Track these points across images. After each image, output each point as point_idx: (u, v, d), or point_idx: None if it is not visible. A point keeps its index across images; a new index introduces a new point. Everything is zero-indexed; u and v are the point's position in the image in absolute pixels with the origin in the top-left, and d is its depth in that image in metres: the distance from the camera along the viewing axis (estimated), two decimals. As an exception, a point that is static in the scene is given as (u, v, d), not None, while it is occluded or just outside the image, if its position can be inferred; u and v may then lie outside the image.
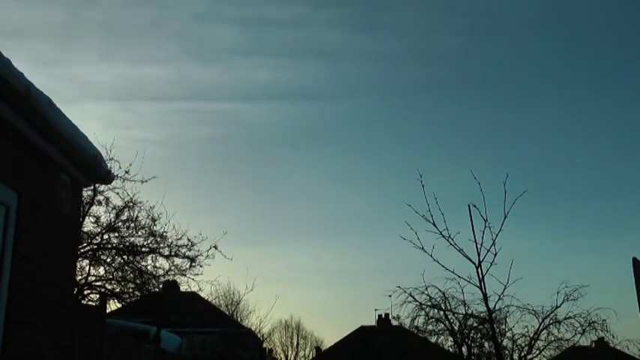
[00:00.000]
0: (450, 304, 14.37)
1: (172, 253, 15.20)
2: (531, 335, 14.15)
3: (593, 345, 15.94)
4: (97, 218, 14.38)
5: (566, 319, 13.96)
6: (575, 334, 14.02)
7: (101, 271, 14.91)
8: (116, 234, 14.69)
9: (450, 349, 15.72)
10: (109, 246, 14.71)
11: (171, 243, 15.14)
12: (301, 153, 52.55)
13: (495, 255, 12.61)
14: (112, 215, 14.52)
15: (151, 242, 14.99)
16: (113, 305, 16.40)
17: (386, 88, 45.57)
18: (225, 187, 49.34)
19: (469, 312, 14.36)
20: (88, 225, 14.16)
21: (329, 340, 50.64)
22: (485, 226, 12.60)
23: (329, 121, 52.20)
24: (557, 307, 13.87)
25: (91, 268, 14.48)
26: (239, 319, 31.12)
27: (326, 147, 53.80)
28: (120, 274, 15.03)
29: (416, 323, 14.84)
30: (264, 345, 34.51)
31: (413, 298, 14.21)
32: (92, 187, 12.85)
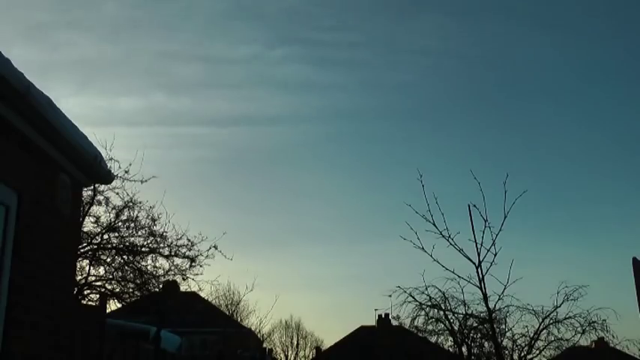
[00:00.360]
0: (450, 304, 14.37)
1: (172, 253, 15.21)
2: (531, 335, 14.15)
3: (593, 345, 15.94)
4: (97, 218, 14.39)
5: (566, 319, 13.96)
6: (575, 334, 14.02)
7: (101, 271, 14.92)
8: (116, 234, 14.70)
9: (450, 349, 15.72)
10: (109, 246, 14.71)
11: (171, 243, 15.15)
12: (279, 169, 54.30)
13: (495, 255, 12.61)
14: (111, 215, 14.54)
15: (150, 242, 15.01)
16: (113, 305, 16.41)
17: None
18: (217, 199, 50.42)
19: (469, 312, 14.37)
20: (88, 225, 14.17)
21: (329, 340, 50.73)
22: (485, 226, 12.62)
23: (307, 139, 54.06)
24: (557, 307, 13.87)
25: (91, 268, 14.49)
26: (239, 319, 31.14)
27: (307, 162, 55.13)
28: (120, 274, 15.03)
29: (416, 323, 14.84)
30: (264, 345, 34.52)
31: (413, 298, 14.22)
32: (92, 187, 12.85)
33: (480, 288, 12.96)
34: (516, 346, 14.37)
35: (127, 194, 14.48)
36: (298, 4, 42.79)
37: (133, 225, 14.73)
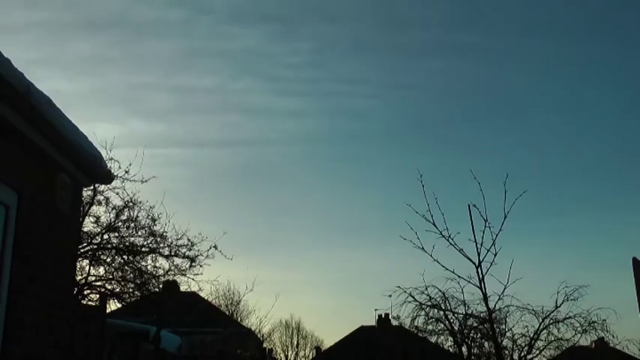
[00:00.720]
0: (450, 304, 14.37)
1: (172, 253, 15.20)
2: (531, 335, 14.15)
3: (593, 345, 15.93)
4: (97, 218, 14.39)
5: (566, 318, 13.96)
6: (575, 334, 14.02)
7: (101, 271, 14.91)
8: (116, 234, 14.69)
9: (450, 349, 15.71)
10: (109, 246, 14.71)
11: (171, 243, 15.15)
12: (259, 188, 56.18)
13: (495, 255, 12.63)
14: (111, 215, 14.53)
15: (150, 242, 15.00)
16: (113, 305, 16.41)
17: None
18: (208, 210, 51.46)
19: (469, 312, 14.37)
20: (88, 225, 14.16)
21: (329, 340, 50.69)
22: (485, 226, 12.63)
23: (290, 155, 60.50)
24: (557, 307, 13.87)
25: (91, 268, 14.48)
26: (239, 319, 31.14)
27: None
28: (120, 274, 15.02)
29: (416, 323, 14.84)
30: (265, 345, 34.48)
31: (413, 298, 14.22)
32: (92, 187, 12.85)
33: (480, 288, 12.97)
34: (516, 346, 14.37)
35: (127, 194, 14.49)
36: (257, 45, 48.13)
37: (133, 225, 14.74)
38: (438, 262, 12.88)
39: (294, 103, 53.58)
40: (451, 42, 48.27)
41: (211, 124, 48.30)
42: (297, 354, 48.32)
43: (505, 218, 12.73)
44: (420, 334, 15.56)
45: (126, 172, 14.12)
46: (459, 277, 13.22)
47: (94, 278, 14.72)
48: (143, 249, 14.97)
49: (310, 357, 46.66)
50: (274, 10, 47.59)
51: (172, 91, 46.37)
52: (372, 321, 35.75)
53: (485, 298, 13.08)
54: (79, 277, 13.48)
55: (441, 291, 14.12)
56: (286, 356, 47.89)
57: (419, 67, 50.33)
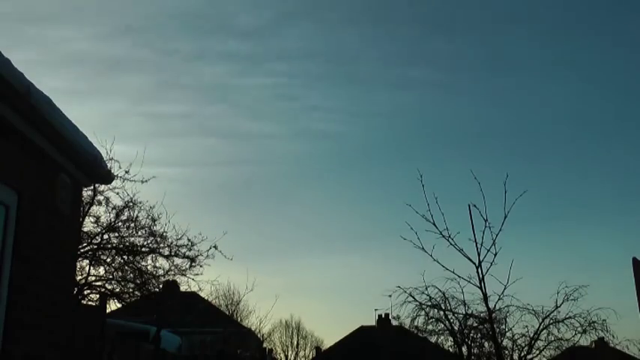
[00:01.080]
0: (450, 304, 14.38)
1: (172, 253, 15.19)
2: (531, 335, 14.16)
3: (593, 345, 15.93)
4: (97, 218, 14.37)
5: (566, 319, 13.97)
6: (575, 334, 14.04)
7: (101, 271, 14.89)
8: (116, 234, 14.68)
9: (450, 349, 15.71)
10: (109, 246, 14.69)
11: (171, 243, 15.12)
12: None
13: (495, 255, 12.64)
14: (111, 215, 14.52)
15: (151, 242, 14.98)
16: (113, 305, 16.39)
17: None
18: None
19: (469, 312, 14.37)
20: (88, 225, 14.14)
21: (329, 340, 50.68)
22: (485, 226, 12.63)
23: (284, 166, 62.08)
24: (557, 307, 13.88)
25: (91, 268, 14.46)
26: (239, 319, 31.14)
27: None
28: (120, 274, 15.01)
29: (416, 323, 14.85)
30: (265, 345, 34.49)
31: (413, 298, 14.23)
32: (92, 187, 12.84)
33: (480, 288, 12.98)
34: (516, 346, 14.38)
35: (127, 194, 14.48)
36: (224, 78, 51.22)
37: (133, 225, 14.72)
38: (438, 262, 12.89)
39: (269, 127, 56.80)
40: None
41: (188, 146, 49.69)
42: (297, 354, 48.33)
43: (505, 218, 12.75)
44: (420, 334, 15.56)
45: (126, 172, 14.11)
46: (459, 277, 13.24)
47: (94, 278, 14.72)
48: (143, 249, 14.96)
49: (310, 357, 46.68)
50: (235, 48, 51.36)
51: (147, 117, 47.82)
52: (372, 321, 35.74)
53: (486, 298, 13.09)
54: (79, 277, 13.47)
55: (441, 291, 14.14)
56: (286, 356, 47.91)
57: (372, 97, 54.11)
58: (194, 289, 16.49)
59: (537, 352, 14.28)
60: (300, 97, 55.56)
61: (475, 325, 14.64)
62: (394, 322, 20.78)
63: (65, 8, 41.96)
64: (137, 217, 14.71)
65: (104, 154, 9.35)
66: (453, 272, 13.15)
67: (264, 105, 55.14)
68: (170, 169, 52.26)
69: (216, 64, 51.90)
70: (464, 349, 14.98)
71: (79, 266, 13.40)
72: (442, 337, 15.36)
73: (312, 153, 60.58)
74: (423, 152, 54.93)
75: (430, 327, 14.94)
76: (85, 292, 14.33)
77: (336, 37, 52.78)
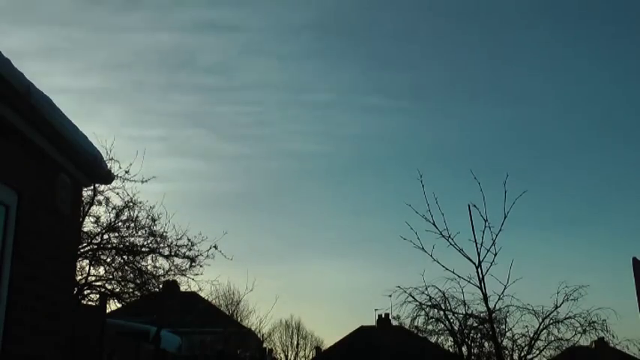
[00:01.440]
0: (450, 304, 14.37)
1: (172, 253, 15.19)
2: (531, 335, 14.15)
3: (594, 345, 15.93)
4: (97, 218, 14.37)
5: (566, 319, 13.96)
6: (575, 334, 14.03)
7: (101, 271, 14.90)
8: (116, 234, 14.68)
9: (450, 349, 15.71)
10: (109, 246, 14.70)
11: (171, 243, 15.13)
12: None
13: (495, 255, 12.63)
14: (111, 215, 14.52)
15: (150, 242, 14.99)
16: (113, 305, 16.40)
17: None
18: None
19: (469, 312, 14.37)
20: (88, 225, 14.15)
21: (329, 340, 50.64)
22: (485, 226, 12.63)
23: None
24: (557, 307, 13.88)
25: (91, 268, 14.46)
26: (239, 319, 31.11)
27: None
28: (120, 274, 15.01)
29: (416, 323, 14.84)
30: (265, 345, 34.50)
31: (413, 298, 14.22)
32: (92, 187, 12.84)
33: (480, 288, 12.97)
34: (516, 346, 14.38)
35: (127, 194, 14.48)
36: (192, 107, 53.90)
37: (133, 225, 14.72)
38: (438, 262, 12.89)
39: (241, 148, 58.95)
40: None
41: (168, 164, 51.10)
42: (297, 354, 48.32)
43: (505, 218, 12.75)
44: (420, 334, 15.56)
45: (126, 172, 14.12)
46: (459, 277, 13.23)
47: (94, 278, 14.72)
48: (143, 249, 14.96)
49: (310, 357, 46.67)
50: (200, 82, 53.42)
51: (124, 139, 48.93)
52: (372, 321, 35.76)
53: (485, 298, 13.08)
54: (79, 277, 13.47)
55: (441, 291, 14.13)
56: (286, 356, 47.90)
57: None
58: (194, 289, 16.51)
59: (537, 352, 14.27)
60: (273, 122, 58.38)
61: (475, 325, 14.64)
62: (394, 322, 20.80)
63: (41, 47, 43.17)
64: (137, 217, 14.73)
65: (104, 154, 9.35)
66: (453, 272, 13.15)
67: (239, 129, 57.98)
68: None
69: (187, 93, 54.63)
70: (464, 349, 14.97)
71: (79, 266, 13.41)
72: (442, 337, 15.37)
73: (295, 167, 63.05)
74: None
75: (430, 327, 14.95)
76: (85, 292, 14.34)
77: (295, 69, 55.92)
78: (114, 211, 14.47)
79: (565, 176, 55.38)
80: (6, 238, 4.49)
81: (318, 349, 45.09)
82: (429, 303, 14.32)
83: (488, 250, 12.63)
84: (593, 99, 52.17)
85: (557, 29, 49.62)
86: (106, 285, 14.95)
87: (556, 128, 53.90)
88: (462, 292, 13.82)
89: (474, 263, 12.76)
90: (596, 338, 14.45)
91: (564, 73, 51.67)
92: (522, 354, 14.21)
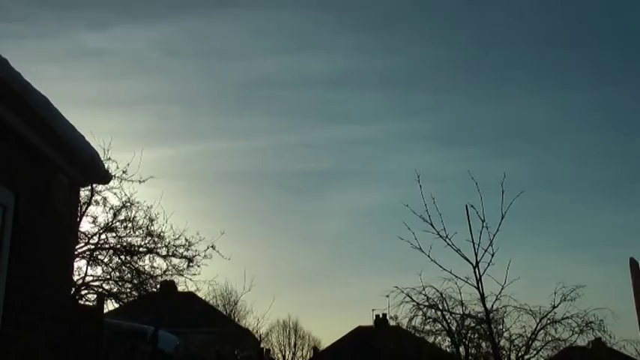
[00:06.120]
0: (447, 305, 14.42)
1: (170, 253, 15.19)
2: (529, 335, 14.22)
3: (590, 345, 15.98)
4: (95, 218, 14.39)
5: (563, 319, 14.02)
6: (573, 334, 14.10)
7: (99, 271, 14.91)
8: (113, 234, 14.70)
9: (448, 350, 15.75)
10: (107, 246, 14.71)
11: (169, 243, 15.14)
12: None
13: (493, 255, 12.68)
14: (109, 215, 14.54)
15: (148, 242, 15.00)
16: (111, 305, 16.39)
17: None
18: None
19: (466, 312, 14.42)
20: (86, 225, 14.16)
21: (326, 341, 50.61)
22: (482, 227, 12.67)
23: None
24: (554, 307, 13.93)
25: (89, 268, 14.48)
26: (236, 319, 31.11)
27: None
28: (117, 274, 15.02)
29: (413, 323, 14.91)
30: (262, 345, 34.48)
31: (410, 298, 14.27)
32: (90, 187, 12.84)
33: (478, 288, 13.01)
34: (514, 346, 14.43)
35: (125, 194, 14.48)
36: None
37: (130, 225, 14.74)
38: (435, 262, 12.93)
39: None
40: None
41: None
42: (294, 354, 48.30)
43: (502, 219, 12.79)
44: (418, 335, 15.60)
45: (123, 172, 14.12)
46: (457, 277, 13.28)
47: (91, 278, 14.73)
48: (140, 249, 14.97)
49: (308, 357, 46.68)
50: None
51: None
52: (369, 321, 35.75)
53: (483, 298, 13.12)
54: (76, 277, 13.48)
55: (438, 291, 14.18)
56: (284, 356, 47.89)
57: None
58: (191, 289, 16.52)
59: (534, 352, 14.34)
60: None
61: (472, 325, 14.70)
62: (392, 323, 20.85)
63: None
64: (134, 217, 14.74)
65: (101, 155, 9.35)
66: (451, 272, 13.20)
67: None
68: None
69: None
70: (461, 349, 15.02)
71: (76, 266, 13.41)
72: (439, 338, 15.43)
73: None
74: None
75: (428, 327, 15.01)
76: (83, 292, 14.34)
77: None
78: (111, 211, 14.49)
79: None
80: (3, 238, 4.49)
81: (315, 349, 45.05)
82: (427, 303, 14.39)
83: (485, 251, 12.69)
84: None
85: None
86: (104, 285, 14.96)
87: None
88: (460, 293, 13.90)
89: (472, 263, 12.82)
90: (593, 338, 14.51)
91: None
92: (520, 354, 14.26)
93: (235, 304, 31.08)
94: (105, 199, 14.31)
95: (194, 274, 15.63)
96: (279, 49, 50.97)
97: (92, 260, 14.50)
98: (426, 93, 52.24)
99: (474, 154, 49.58)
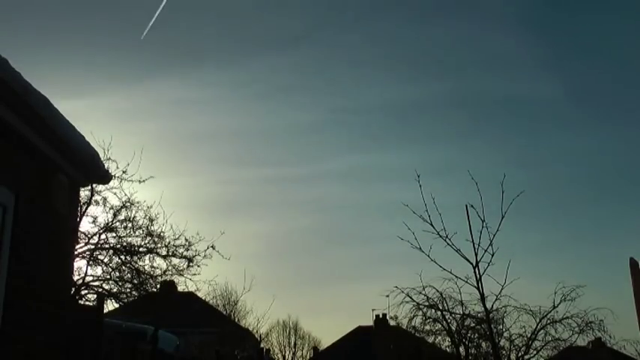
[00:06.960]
0: (447, 305, 14.39)
1: (170, 253, 15.18)
2: (529, 335, 14.18)
3: (590, 345, 15.96)
4: (95, 218, 14.37)
5: (563, 319, 13.98)
6: (573, 334, 14.05)
7: (99, 271, 14.89)
8: (113, 234, 14.68)
9: (448, 350, 15.73)
10: (107, 246, 14.69)
11: (169, 243, 15.13)
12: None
13: (493, 255, 12.65)
14: (109, 215, 14.52)
15: (148, 242, 14.98)
16: (110, 305, 16.37)
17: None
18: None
19: (466, 312, 14.39)
20: (86, 225, 14.15)
21: (326, 341, 50.60)
22: (482, 227, 12.65)
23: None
24: (554, 307, 13.90)
25: (89, 268, 14.47)
26: (236, 319, 31.09)
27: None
28: (117, 274, 15.00)
29: (413, 323, 14.87)
30: (262, 345, 34.46)
31: (410, 298, 14.24)
32: (90, 187, 12.83)
33: (478, 288, 12.98)
34: (514, 346, 14.40)
35: (125, 194, 14.47)
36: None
37: (130, 225, 14.73)
38: (435, 262, 12.91)
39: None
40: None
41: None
42: (294, 354, 48.26)
43: (502, 218, 12.77)
44: (418, 335, 15.58)
45: (123, 172, 14.11)
46: (457, 277, 13.25)
47: (91, 278, 14.72)
48: (140, 249, 14.96)
49: (308, 357, 46.67)
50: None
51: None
52: (369, 321, 35.73)
53: (483, 298, 13.10)
54: (76, 277, 13.47)
55: (438, 291, 14.15)
56: (284, 356, 47.85)
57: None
58: (191, 289, 16.50)
59: (534, 352, 14.30)
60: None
61: (472, 325, 14.67)
62: (392, 323, 20.81)
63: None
64: (134, 217, 14.73)
65: (101, 155, 9.34)
66: (451, 272, 13.17)
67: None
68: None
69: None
70: (461, 349, 14.99)
71: (76, 266, 13.41)
72: (439, 338, 15.39)
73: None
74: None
75: (428, 327, 14.98)
76: (83, 292, 14.33)
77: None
78: (111, 211, 14.48)
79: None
80: (3, 238, 4.48)
81: (315, 349, 45.04)
82: (427, 303, 14.35)
83: (485, 251, 12.67)
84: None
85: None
86: (104, 285, 14.95)
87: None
88: (460, 293, 13.86)
89: (472, 263, 12.79)
90: (593, 338, 14.49)
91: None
92: (520, 354, 14.24)
93: (235, 304, 31.07)
94: (105, 199, 14.31)
95: (194, 274, 15.63)
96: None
97: (92, 260, 14.50)
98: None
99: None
